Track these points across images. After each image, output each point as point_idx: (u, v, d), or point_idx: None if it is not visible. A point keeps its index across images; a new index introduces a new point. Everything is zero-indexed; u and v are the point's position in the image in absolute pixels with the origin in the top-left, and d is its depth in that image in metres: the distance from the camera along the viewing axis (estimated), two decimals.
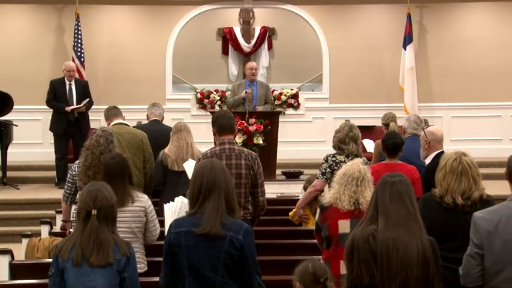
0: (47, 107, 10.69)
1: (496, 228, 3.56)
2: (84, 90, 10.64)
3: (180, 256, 3.58)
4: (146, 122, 8.33)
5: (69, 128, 10.46)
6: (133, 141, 6.97)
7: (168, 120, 9.12)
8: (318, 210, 4.77)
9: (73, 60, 11.68)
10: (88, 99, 10.54)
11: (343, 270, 3.84)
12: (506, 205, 3.64)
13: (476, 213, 3.68)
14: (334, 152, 6.14)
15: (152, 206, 4.92)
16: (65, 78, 10.58)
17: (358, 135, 6.12)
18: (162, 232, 5.04)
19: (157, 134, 7.34)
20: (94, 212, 3.62)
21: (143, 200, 4.83)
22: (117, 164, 4.79)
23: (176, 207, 4.95)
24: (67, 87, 10.56)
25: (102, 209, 3.63)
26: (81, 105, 10.39)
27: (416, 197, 3.53)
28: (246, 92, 9.57)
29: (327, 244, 4.64)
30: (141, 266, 4.77)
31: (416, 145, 6.15)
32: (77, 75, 11.14)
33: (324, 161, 6.08)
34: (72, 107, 10.35)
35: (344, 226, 4.50)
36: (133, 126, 8.17)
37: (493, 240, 3.55)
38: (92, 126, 10.42)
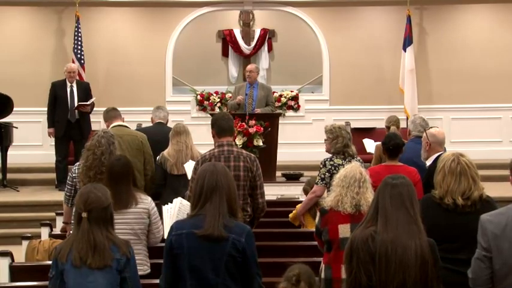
0: (47, 109, 10.67)
1: (503, 231, 3.54)
2: (86, 92, 10.63)
3: (181, 258, 3.57)
4: (146, 124, 8.32)
5: (70, 130, 10.45)
6: (134, 143, 6.96)
7: (168, 123, 9.11)
8: (318, 213, 4.76)
9: (73, 62, 11.68)
10: (94, 98, 10.56)
11: (344, 274, 3.83)
12: None
13: (483, 216, 3.66)
14: (330, 155, 6.13)
15: (156, 208, 4.91)
16: (67, 80, 10.58)
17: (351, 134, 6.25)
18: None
19: (161, 137, 7.26)
20: (84, 214, 3.62)
21: (147, 201, 4.82)
22: (121, 166, 4.79)
23: (175, 209, 4.95)
24: (68, 89, 10.54)
25: (93, 211, 3.62)
26: (89, 102, 10.38)
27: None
28: (244, 97, 9.55)
29: (328, 248, 4.62)
30: (144, 268, 4.77)
31: (420, 146, 6.14)
32: (77, 77, 11.15)
33: (321, 166, 6.07)
34: (78, 104, 10.34)
35: (344, 230, 4.48)
36: (138, 129, 8.17)
37: (501, 243, 3.53)
38: (92, 128, 10.42)
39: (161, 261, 4.03)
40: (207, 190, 3.60)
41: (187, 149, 6.83)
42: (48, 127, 10.63)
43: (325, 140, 6.25)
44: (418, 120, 6.96)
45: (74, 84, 10.60)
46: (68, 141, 10.55)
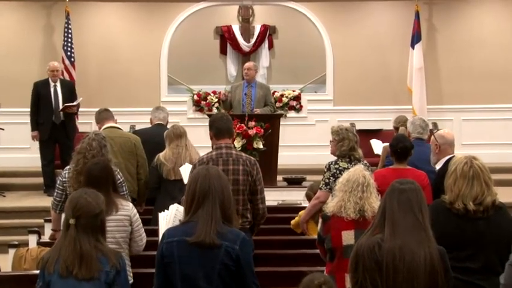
0: (30, 111, 10.63)
1: None
2: (70, 92, 10.56)
3: (172, 267, 3.57)
4: (140, 126, 8.32)
5: (55, 132, 10.38)
6: (126, 146, 6.96)
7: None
8: (320, 220, 4.75)
9: (63, 60, 11.67)
10: (81, 98, 10.51)
11: (348, 283, 3.82)
12: None
13: None
14: (335, 159, 6.13)
15: (138, 215, 4.91)
16: (50, 79, 10.52)
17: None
18: (154, 242, 5.02)
19: (160, 139, 7.22)
20: (72, 221, 3.60)
21: (128, 208, 4.82)
22: (100, 170, 4.77)
23: (171, 216, 4.93)
24: (51, 89, 10.47)
25: (81, 218, 3.60)
26: (75, 103, 10.33)
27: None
28: (242, 96, 9.58)
29: (331, 256, 4.61)
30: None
31: (422, 149, 6.14)
32: (66, 76, 11.12)
33: (326, 170, 6.07)
34: (65, 105, 10.29)
35: (348, 237, 4.47)
36: (136, 131, 8.15)
37: None
38: (82, 130, 10.42)
39: (145, 270, 4.02)
40: (200, 195, 3.59)
41: (187, 152, 6.82)
42: (32, 130, 10.51)
43: (330, 141, 6.25)
44: (417, 121, 6.96)
45: (58, 84, 10.52)
46: (54, 144, 10.48)
